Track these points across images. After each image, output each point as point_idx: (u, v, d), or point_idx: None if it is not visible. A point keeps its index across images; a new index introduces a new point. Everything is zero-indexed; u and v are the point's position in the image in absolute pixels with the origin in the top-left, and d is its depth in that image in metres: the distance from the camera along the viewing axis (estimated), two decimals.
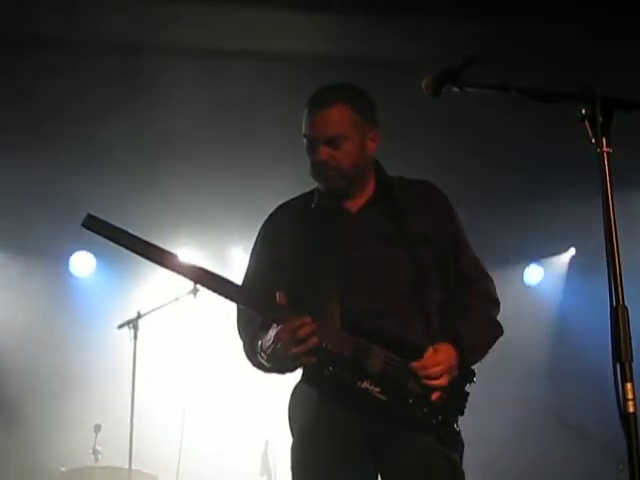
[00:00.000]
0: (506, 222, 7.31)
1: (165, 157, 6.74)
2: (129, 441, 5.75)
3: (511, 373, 7.31)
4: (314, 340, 2.72)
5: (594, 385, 5.33)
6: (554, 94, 2.27)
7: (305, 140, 2.99)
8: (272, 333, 2.80)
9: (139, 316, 5.99)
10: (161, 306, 6.04)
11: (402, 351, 2.83)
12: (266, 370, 2.99)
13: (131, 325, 5.97)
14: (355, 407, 2.81)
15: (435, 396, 2.82)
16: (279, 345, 2.75)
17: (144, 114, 6.38)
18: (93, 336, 7.24)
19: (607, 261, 2.06)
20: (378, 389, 2.79)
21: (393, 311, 2.91)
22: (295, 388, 3.05)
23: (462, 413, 2.90)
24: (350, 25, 6.06)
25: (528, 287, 8.03)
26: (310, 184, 3.16)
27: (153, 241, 2.81)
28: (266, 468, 6.26)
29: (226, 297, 2.82)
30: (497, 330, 3.09)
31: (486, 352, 3.03)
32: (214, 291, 2.81)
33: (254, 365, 3.06)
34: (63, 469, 6.20)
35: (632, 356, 2.02)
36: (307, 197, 3.13)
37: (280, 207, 3.20)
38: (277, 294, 2.77)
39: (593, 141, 2.13)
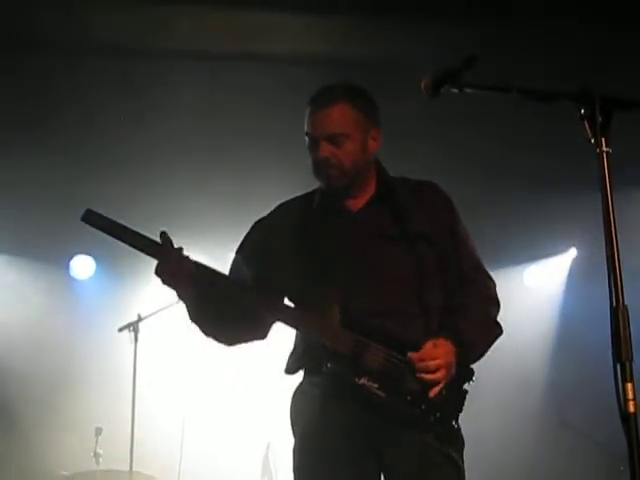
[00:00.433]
0: (506, 222, 7.31)
1: (165, 159, 6.74)
2: (130, 444, 5.75)
3: (511, 374, 7.30)
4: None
5: (595, 386, 5.31)
6: (554, 94, 2.27)
7: (307, 138, 3.00)
8: None
9: (140, 319, 6.00)
10: (162, 309, 6.05)
11: (402, 349, 2.83)
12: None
13: (132, 328, 5.97)
14: (354, 404, 2.82)
15: (433, 392, 2.82)
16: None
17: (144, 115, 6.38)
18: (94, 339, 7.25)
19: (607, 261, 2.06)
20: (376, 385, 2.80)
21: (394, 310, 2.92)
22: (296, 390, 3.06)
23: (461, 410, 2.91)
24: (351, 26, 6.06)
25: (528, 288, 8.02)
26: (310, 186, 3.16)
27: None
28: (267, 471, 6.26)
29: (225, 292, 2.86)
30: (496, 329, 3.09)
31: (485, 351, 3.03)
32: (212, 286, 2.86)
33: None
34: (64, 472, 6.20)
35: (632, 356, 2.02)
36: (308, 197, 3.14)
37: (280, 206, 3.21)
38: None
39: (592, 141, 2.13)
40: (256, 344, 3.14)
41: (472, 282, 3.10)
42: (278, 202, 3.22)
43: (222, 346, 3.13)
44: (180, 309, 3.04)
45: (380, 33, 6.03)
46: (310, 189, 3.17)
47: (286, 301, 3.06)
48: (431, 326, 2.95)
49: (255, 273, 3.07)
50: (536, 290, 8.02)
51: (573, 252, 7.96)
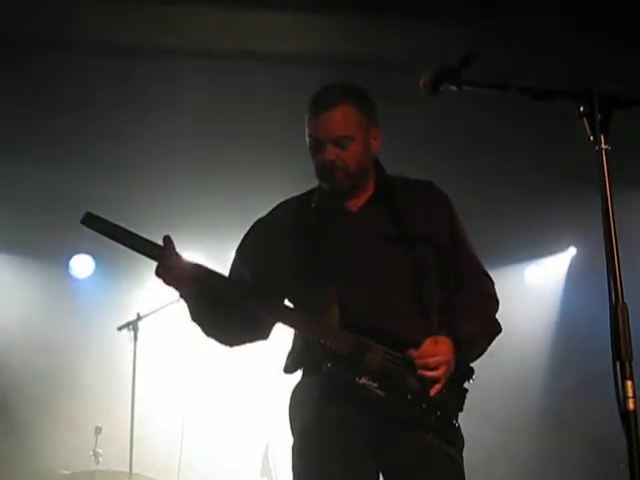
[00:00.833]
0: (506, 222, 7.30)
1: (165, 158, 6.74)
2: (129, 443, 5.75)
3: (511, 373, 7.30)
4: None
5: (595, 384, 5.31)
6: (553, 92, 2.27)
7: (310, 140, 2.99)
8: None
9: (139, 318, 5.99)
10: (161, 308, 6.04)
11: (401, 349, 2.83)
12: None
13: (131, 327, 5.97)
14: (354, 403, 2.82)
15: (434, 391, 2.82)
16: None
17: (143, 115, 6.38)
18: (93, 338, 7.25)
19: (606, 259, 2.06)
20: (376, 384, 2.80)
21: (393, 310, 2.92)
22: (295, 389, 3.06)
23: (461, 409, 2.91)
24: (350, 25, 6.06)
25: (528, 287, 8.02)
26: (309, 185, 3.16)
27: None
28: (267, 470, 6.26)
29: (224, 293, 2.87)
30: (495, 327, 3.09)
31: (484, 349, 3.04)
32: (213, 287, 2.87)
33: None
34: (64, 471, 6.20)
35: (632, 354, 2.02)
36: (306, 197, 3.13)
37: (279, 205, 3.21)
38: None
39: (592, 138, 2.13)
40: (256, 343, 3.13)
41: (471, 281, 3.11)
42: (278, 201, 3.21)
43: (223, 346, 3.13)
44: (180, 308, 3.04)
45: (380, 32, 6.03)
46: (309, 188, 3.17)
47: (286, 302, 3.06)
48: (430, 325, 2.95)
49: (254, 273, 3.07)
50: (536, 288, 8.03)
51: (572, 251, 7.97)
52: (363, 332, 2.83)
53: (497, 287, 3.16)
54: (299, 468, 2.94)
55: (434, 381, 2.82)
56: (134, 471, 5.79)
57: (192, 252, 7.00)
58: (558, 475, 7.23)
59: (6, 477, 6.84)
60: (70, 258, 7.63)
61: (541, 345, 7.83)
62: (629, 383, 1.99)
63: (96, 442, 6.04)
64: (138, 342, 5.96)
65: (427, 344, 2.82)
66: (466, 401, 2.93)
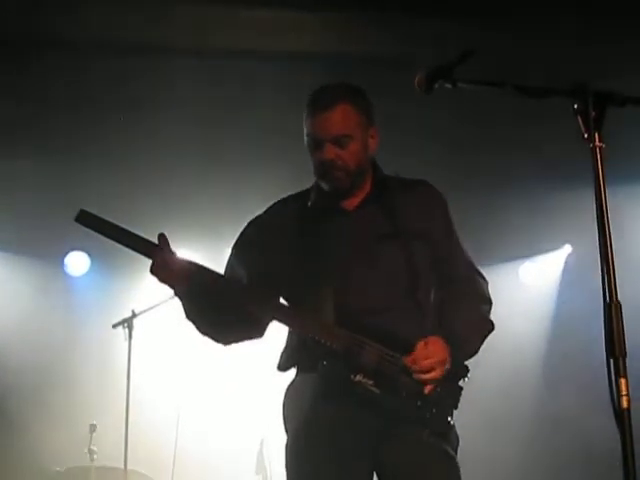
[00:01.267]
0: (501, 219, 7.31)
1: (161, 158, 6.74)
2: (124, 441, 5.74)
3: (506, 369, 7.30)
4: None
5: (590, 382, 5.32)
6: (548, 90, 2.27)
7: (308, 139, 2.99)
8: None
9: (134, 315, 5.99)
10: (156, 305, 6.04)
11: (397, 347, 2.84)
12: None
13: (126, 324, 5.96)
14: (349, 401, 2.82)
15: (428, 389, 2.83)
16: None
17: (140, 114, 6.37)
18: (88, 335, 7.25)
19: (600, 257, 2.06)
20: (371, 382, 2.81)
21: (389, 309, 2.93)
22: (289, 386, 3.06)
23: (456, 407, 2.91)
24: (349, 23, 6.05)
25: (523, 284, 8.02)
26: (305, 184, 3.15)
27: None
28: (261, 467, 6.26)
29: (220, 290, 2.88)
30: (487, 325, 3.10)
31: (478, 348, 3.04)
32: (207, 285, 2.87)
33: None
34: (58, 469, 6.20)
35: (626, 351, 2.02)
36: (303, 195, 3.14)
37: (275, 204, 3.20)
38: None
39: (586, 136, 2.13)
40: (251, 341, 3.13)
41: (464, 280, 3.12)
42: (273, 200, 3.21)
43: (218, 344, 3.12)
44: (174, 305, 3.04)
45: (378, 30, 6.03)
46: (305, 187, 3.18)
47: (281, 300, 3.06)
48: (425, 324, 2.95)
49: (250, 271, 3.07)
50: (531, 286, 8.03)
51: (568, 248, 7.96)
52: (359, 330, 2.83)
53: (492, 285, 3.18)
54: (292, 466, 2.94)
55: (429, 383, 2.83)
56: (129, 468, 5.79)
57: (187, 250, 7.02)
58: (552, 469, 7.24)
59: (1, 474, 6.83)
60: (65, 255, 7.61)
61: (536, 342, 7.83)
62: (623, 381, 2.00)
63: (91, 439, 6.04)
64: (133, 339, 5.96)
65: (419, 349, 2.82)
66: (460, 398, 2.92)
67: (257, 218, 3.19)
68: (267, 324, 3.06)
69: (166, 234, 2.88)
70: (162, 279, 2.85)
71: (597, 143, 2.11)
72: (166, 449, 6.40)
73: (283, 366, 3.03)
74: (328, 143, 2.93)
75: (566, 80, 2.21)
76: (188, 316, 2.99)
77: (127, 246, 2.85)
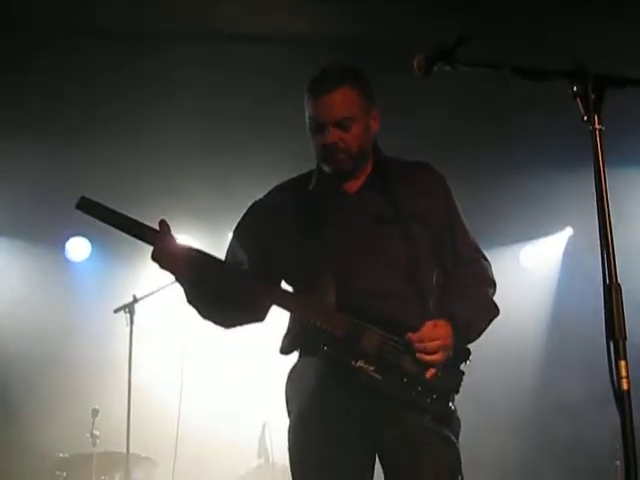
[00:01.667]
0: (502, 202, 7.30)
1: (162, 143, 6.73)
2: (127, 425, 5.76)
3: (507, 354, 7.31)
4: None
5: (591, 366, 5.33)
6: (546, 72, 2.26)
7: (310, 122, 2.99)
8: None
9: (135, 300, 5.99)
10: (157, 290, 6.04)
11: (398, 332, 2.83)
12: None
13: (127, 309, 5.97)
14: (350, 386, 2.82)
15: (429, 374, 2.83)
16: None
17: (141, 100, 6.37)
18: (89, 321, 7.27)
19: (600, 239, 2.06)
20: (372, 368, 2.80)
21: (390, 292, 2.93)
22: (292, 370, 3.07)
23: (458, 392, 2.91)
24: (347, 7, 6.04)
25: (524, 267, 8.02)
26: (305, 167, 3.15)
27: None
28: (263, 450, 6.27)
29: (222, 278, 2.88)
30: (493, 310, 3.08)
31: (482, 331, 3.03)
32: (208, 271, 2.87)
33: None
34: (61, 454, 6.22)
35: (626, 334, 2.02)
36: (304, 179, 3.13)
37: (276, 188, 3.20)
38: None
39: (585, 119, 2.12)
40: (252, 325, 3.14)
41: (468, 262, 3.11)
42: (272, 185, 3.21)
43: (219, 328, 3.13)
44: (176, 290, 3.04)
45: (376, 14, 6.02)
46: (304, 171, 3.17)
47: (283, 284, 3.06)
48: (427, 308, 2.95)
49: (251, 255, 3.07)
50: (532, 269, 8.02)
51: (569, 231, 7.95)
52: (360, 314, 2.83)
53: (493, 268, 3.16)
54: (295, 449, 2.95)
55: (432, 364, 2.83)
56: (131, 451, 5.81)
57: (188, 237, 7.03)
58: (557, 457, 7.25)
59: (4, 461, 6.85)
60: (66, 241, 7.63)
61: (537, 325, 7.84)
62: (622, 363, 2.00)
63: (93, 424, 6.07)
64: (134, 325, 5.97)
65: (427, 327, 2.82)
66: (461, 383, 2.92)
67: (258, 202, 3.18)
68: (268, 308, 3.05)
69: (167, 220, 2.88)
70: (163, 265, 2.86)
71: (596, 126, 2.11)
72: (168, 433, 6.42)
73: (285, 349, 3.03)
74: (330, 126, 2.92)
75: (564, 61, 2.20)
76: (189, 301, 2.99)
77: (128, 233, 2.85)
